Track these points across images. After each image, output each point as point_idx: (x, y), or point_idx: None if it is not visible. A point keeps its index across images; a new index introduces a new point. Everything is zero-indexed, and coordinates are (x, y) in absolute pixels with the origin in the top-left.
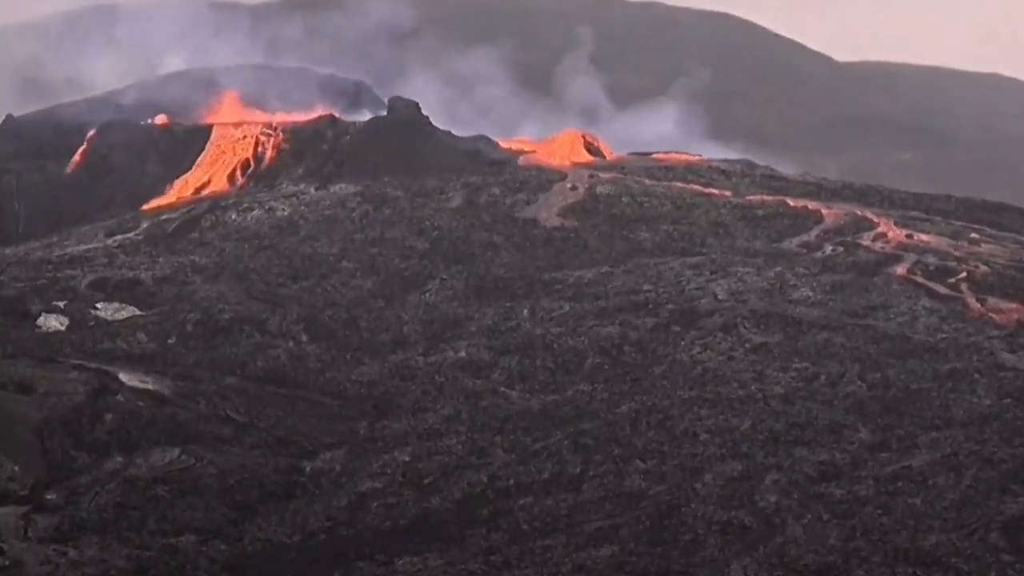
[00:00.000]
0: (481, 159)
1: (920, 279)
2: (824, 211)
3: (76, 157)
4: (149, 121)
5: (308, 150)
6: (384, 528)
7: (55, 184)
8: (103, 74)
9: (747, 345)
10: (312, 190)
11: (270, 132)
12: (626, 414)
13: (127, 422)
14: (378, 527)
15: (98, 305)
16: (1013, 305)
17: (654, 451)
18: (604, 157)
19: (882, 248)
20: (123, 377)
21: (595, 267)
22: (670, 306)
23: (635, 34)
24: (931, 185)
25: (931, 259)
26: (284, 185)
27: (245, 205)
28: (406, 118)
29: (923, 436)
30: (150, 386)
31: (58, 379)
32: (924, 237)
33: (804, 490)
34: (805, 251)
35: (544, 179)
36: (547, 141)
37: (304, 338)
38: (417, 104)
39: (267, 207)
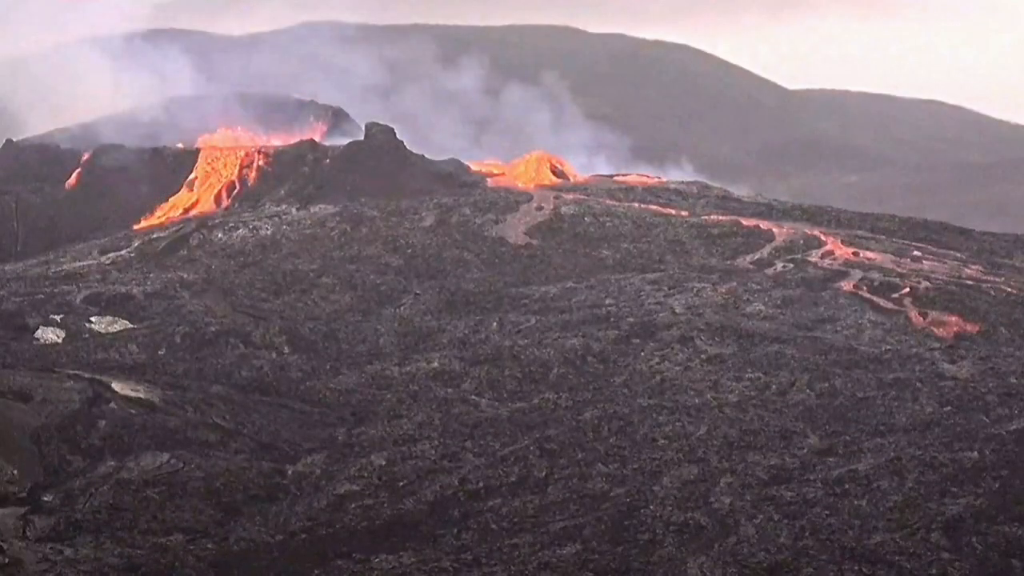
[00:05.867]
0: (453, 181)
1: (865, 294)
2: (775, 230)
3: (71, 179)
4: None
5: (290, 173)
6: (361, 528)
7: (52, 205)
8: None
9: (703, 356)
10: (294, 210)
11: (254, 156)
12: (589, 421)
13: (119, 428)
14: (356, 527)
15: (92, 319)
16: (953, 318)
17: (615, 455)
18: (568, 179)
19: (830, 265)
20: (116, 386)
21: (559, 283)
22: (630, 319)
23: (599, 64)
24: (875, 206)
25: (876, 275)
26: (267, 206)
27: (230, 224)
28: (382, 143)
29: (868, 442)
30: (141, 395)
31: (54, 388)
32: (869, 254)
33: (756, 492)
34: (757, 267)
35: (512, 200)
36: (515, 163)
37: (286, 349)
38: (392, 129)
39: (251, 226)
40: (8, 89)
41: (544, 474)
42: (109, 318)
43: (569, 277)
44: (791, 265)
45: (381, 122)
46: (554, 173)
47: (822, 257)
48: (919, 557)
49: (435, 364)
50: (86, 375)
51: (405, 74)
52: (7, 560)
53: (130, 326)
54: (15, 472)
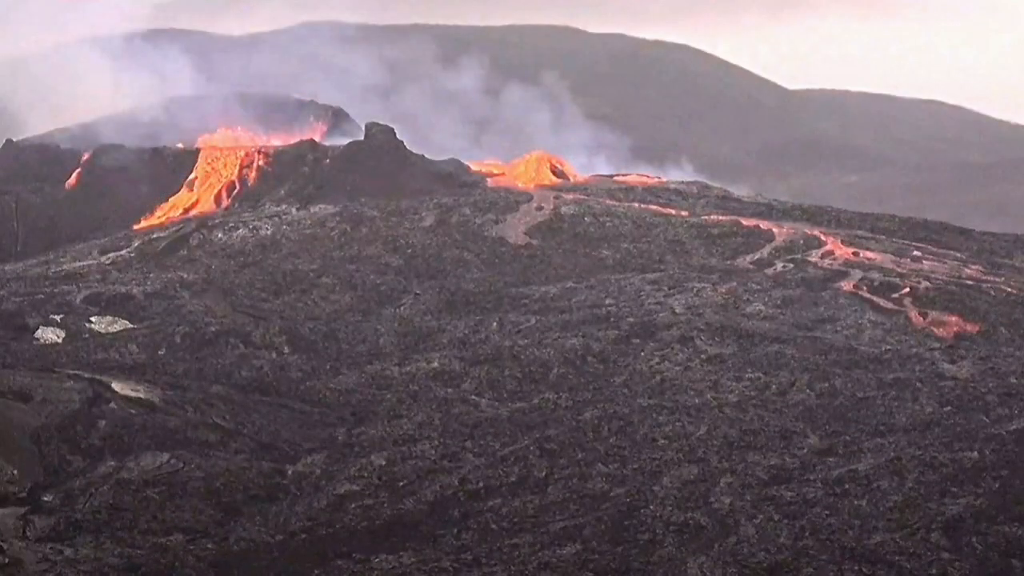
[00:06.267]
0: (452, 181)
1: (865, 294)
2: (775, 230)
3: (71, 179)
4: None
5: (290, 173)
6: (361, 528)
7: (52, 205)
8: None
9: (703, 356)
10: (293, 210)
11: (254, 156)
12: (589, 421)
13: (119, 428)
14: (356, 527)
15: (92, 319)
16: (953, 318)
17: (615, 455)
18: (568, 179)
19: (830, 265)
20: (116, 386)
21: (559, 283)
22: (630, 319)
23: (599, 64)
24: (875, 206)
25: (876, 275)
26: (267, 206)
27: (230, 224)
28: (382, 143)
29: (868, 442)
30: (141, 395)
31: (55, 388)
32: (869, 254)
33: (756, 492)
34: (757, 267)
35: (512, 200)
36: (515, 163)
37: (286, 349)
38: (392, 129)
39: (251, 226)
40: (8, 89)
41: (544, 474)
42: (109, 318)
43: (569, 277)
44: (791, 265)
45: (381, 122)
46: (554, 173)
47: (822, 257)
48: (919, 557)
49: (435, 364)
50: (86, 375)
51: (405, 74)
52: (7, 560)
53: (130, 326)
54: (15, 472)
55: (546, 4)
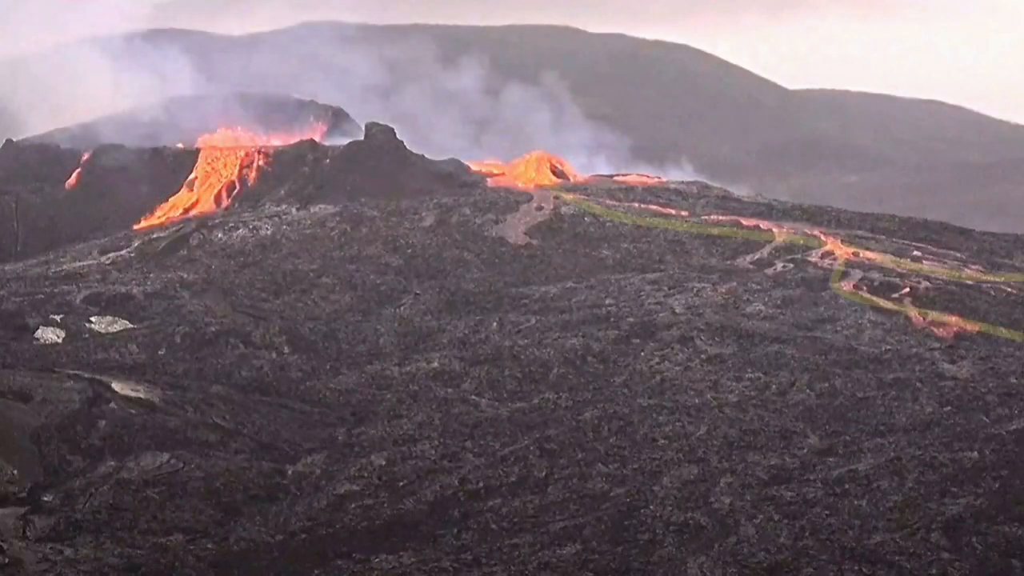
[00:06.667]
0: (453, 181)
1: (865, 294)
2: (775, 230)
3: (71, 179)
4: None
5: (290, 173)
6: (361, 528)
7: (52, 205)
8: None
9: (703, 356)
10: (294, 210)
11: (254, 156)
12: (589, 421)
13: (119, 428)
14: (356, 527)
15: (92, 319)
16: (952, 318)
17: (615, 455)
18: (569, 179)
19: (830, 265)
20: (116, 386)
21: (560, 283)
22: (630, 319)
23: (599, 64)
24: (875, 206)
25: (876, 275)
26: (267, 206)
27: (230, 224)
28: (382, 143)
29: (868, 442)
30: (141, 395)
31: (54, 388)
32: (869, 254)
33: (756, 492)
34: (757, 267)
35: (512, 200)
36: (515, 163)
37: (286, 349)
38: (392, 129)
39: (251, 226)
40: (8, 89)
41: (544, 474)
42: (109, 318)
43: (569, 277)
44: (791, 265)
45: (381, 122)
46: (554, 173)
47: (822, 257)
48: (919, 557)
49: (435, 364)
50: (86, 375)
51: (405, 74)
52: (7, 560)
53: (130, 326)
54: (15, 472)
55: (546, 4)
